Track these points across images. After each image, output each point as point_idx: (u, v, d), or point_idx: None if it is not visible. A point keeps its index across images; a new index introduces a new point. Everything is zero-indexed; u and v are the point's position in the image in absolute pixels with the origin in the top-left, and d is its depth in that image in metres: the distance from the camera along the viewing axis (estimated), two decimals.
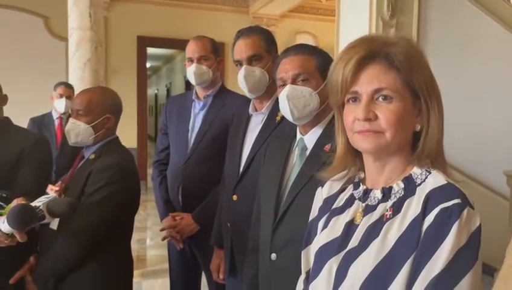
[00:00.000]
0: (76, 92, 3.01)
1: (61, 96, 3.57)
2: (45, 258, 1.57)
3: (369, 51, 0.84)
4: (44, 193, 1.62)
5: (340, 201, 0.95)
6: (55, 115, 3.65)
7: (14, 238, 1.33)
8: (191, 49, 2.08)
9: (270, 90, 1.67)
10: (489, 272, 2.89)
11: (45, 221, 1.37)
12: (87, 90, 1.82)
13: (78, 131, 1.64)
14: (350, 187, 0.95)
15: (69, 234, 1.52)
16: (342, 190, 0.96)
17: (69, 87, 3.64)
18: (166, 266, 2.30)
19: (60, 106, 3.58)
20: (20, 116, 3.62)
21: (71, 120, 1.67)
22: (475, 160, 3.48)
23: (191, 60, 2.08)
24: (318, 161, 1.10)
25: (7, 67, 5.90)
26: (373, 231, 0.83)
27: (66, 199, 1.43)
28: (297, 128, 1.33)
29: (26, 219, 1.31)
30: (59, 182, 1.73)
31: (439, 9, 3.72)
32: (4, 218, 1.31)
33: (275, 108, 1.59)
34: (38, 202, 1.35)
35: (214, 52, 2.11)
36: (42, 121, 3.62)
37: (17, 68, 5.99)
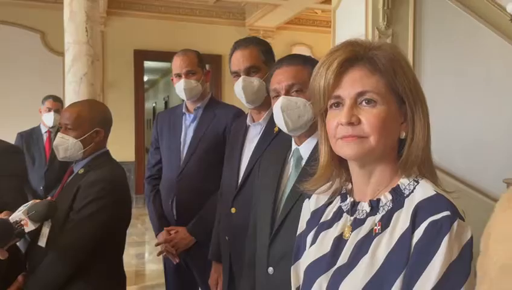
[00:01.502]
0: None
1: (49, 110, 3.54)
2: (34, 277, 1.53)
3: (352, 54, 0.82)
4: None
5: (328, 214, 0.92)
6: (43, 129, 3.61)
7: None
8: (178, 65, 2.07)
9: (267, 101, 1.65)
10: None
11: (29, 229, 1.34)
12: (75, 103, 1.80)
13: (66, 146, 1.62)
14: (337, 199, 0.92)
15: (57, 251, 1.50)
16: (329, 202, 0.93)
17: (57, 100, 3.61)
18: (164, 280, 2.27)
19: (48, 119, 3.54)
20: (17, 130, 3.62)
21: (59, 135, 1.64)
22: (474, 168, 3.46)
23: (178, 76, 2.07)
24: (311, 171, 1.08)
25: (4, 81, 5.93)
26: (362, 246, 0.80)
27: (44, 201, 1.40)
28: (292, 138, 1.31)
29: (2, 235, 1.27)
30: (48, 197, 1.70)
31: (434, 19, 3.74)
32: None
33: (273, 119, 1.57)
34: (18, 212, 1.32)
35: (201, 65, 2.11)
36: (30, 136, 3.58)
37: (15, 83, 6.01)
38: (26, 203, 1.36)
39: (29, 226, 1.33)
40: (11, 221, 1.32)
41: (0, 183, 1.58)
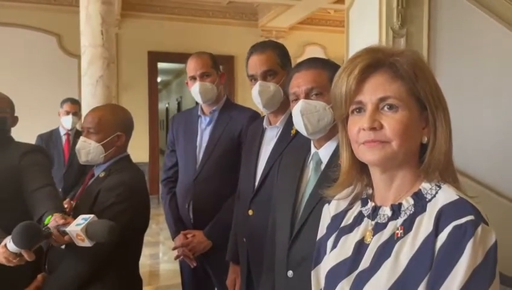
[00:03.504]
0: (89, 108, 3.05)
1: (67, 113, 3.63)
2: (52, 277, 1.56)
3: (374, 60, 0.82)
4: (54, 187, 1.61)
5: (348, 219, 0.92)
6: (62, 132, 3.70)
7: (22, 257, 1.32)
8: (192, 67, 2.07)
9: (284, 104, 1.66)
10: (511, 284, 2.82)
11: (84, 245, 1.30)
12: (98, 108, 1.82)
13: (88, 149, 1.64)
14: (358, 204, 0.92)
15: (76, 252, 1.50)
16: (350, 207, 0.94)
17: (75, 103, 3.69)
18: (180, 281, 2.28)
19: (66, 122, 3.63)
20: (34, 133, 3.69)
21: (82, 138, 1.67)
22: (494, 170, 3.41)
23: (193, 78, 2.07)
24: (333, 176, 1.08)
25: (21, 84, 6.02)
26: (384, 250, 0.80)
27: (105, 221, 1.32)
28: (312, 142, 1.31)
29: (31, 237, 1.29)
30: (67, 199, 1.73)
31: (449, 18, 3.69)
32: (10, 237, 1.29)
33: (290, 121, 1.57)
34: (77, 225, 1.29)
35: (215, 67, 2.10)
36: (50, 138, 3.67)
37: (31, 85, 6.11)
38: (87, 216, 1.31)
39: (85, 243, 1.29)
40: (65, 230, 1.30)
41: (31, 174, 1.60)
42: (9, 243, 1.30)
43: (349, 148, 0.88)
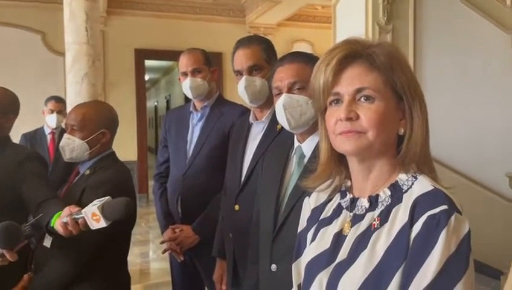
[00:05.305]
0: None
1: (52, 111, 3.57)
2: (39, 276, 1.54)
3: (351, 51, 0.83)
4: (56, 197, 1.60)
5: (327, 211, 0.93)
6: (47, 130, 3.64)
7: (5, 258, 1.30)
8: (184, 63, 2.08)
9: (270, 99, 1.66)
10: (495, 275, 2.86)
11: (99, 226, 1.26)
12: (82, 105, 1.80)
13: (72, 147, 1.63)
14: (337, 196, 0.93)
15: (62, 251, 1.50)
16: (329, 199, 0.94)
17: (59, 101, 3.64)
18: (170, 279, 2.28)
19: (51, 121, 3.58)
20: (18, 132, 3.63)
21: (66, 136, 1.65)
22: (476, 162, 3.46)
23: (185, 74, 2.08)
24: (311, 167, 1.09)
25: (5, 83, 5.92)
26: (361, 241, 0.81)
27: (121, 199, 1.28)
28: (295, 136, 1.32)
29: (10, 237, 1.27)
30: None
31: (435, 13, 3.73)
32: None
33: (276, 116, 1.58)
34: (92, 205, 1.27)
35: (207, 63, 2.11)
36: (34, 137, 3.61)
37: (16, 84, 5.99)
38: (102, 198, 1.29)
39: (100, 223, 1.25)
40: (81, 215, 1.28)
41: (31, 185, 1.59)
42: None
43: (328, 140, 0.88)
